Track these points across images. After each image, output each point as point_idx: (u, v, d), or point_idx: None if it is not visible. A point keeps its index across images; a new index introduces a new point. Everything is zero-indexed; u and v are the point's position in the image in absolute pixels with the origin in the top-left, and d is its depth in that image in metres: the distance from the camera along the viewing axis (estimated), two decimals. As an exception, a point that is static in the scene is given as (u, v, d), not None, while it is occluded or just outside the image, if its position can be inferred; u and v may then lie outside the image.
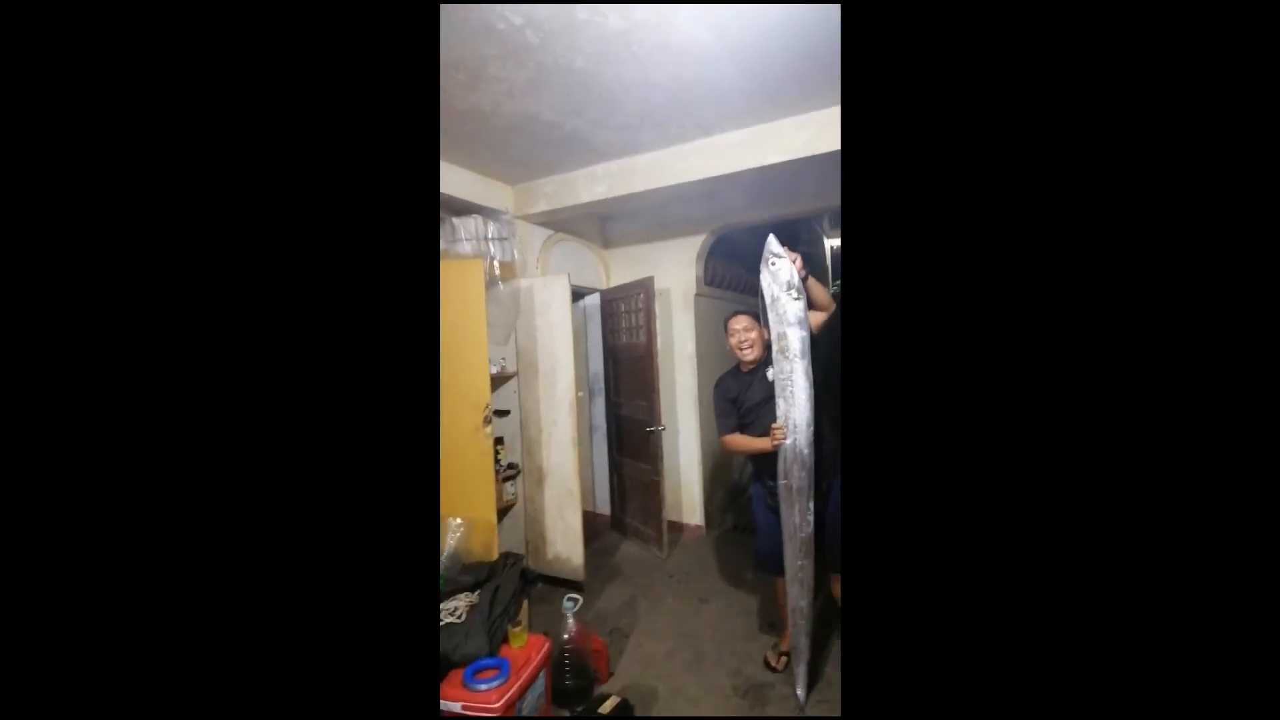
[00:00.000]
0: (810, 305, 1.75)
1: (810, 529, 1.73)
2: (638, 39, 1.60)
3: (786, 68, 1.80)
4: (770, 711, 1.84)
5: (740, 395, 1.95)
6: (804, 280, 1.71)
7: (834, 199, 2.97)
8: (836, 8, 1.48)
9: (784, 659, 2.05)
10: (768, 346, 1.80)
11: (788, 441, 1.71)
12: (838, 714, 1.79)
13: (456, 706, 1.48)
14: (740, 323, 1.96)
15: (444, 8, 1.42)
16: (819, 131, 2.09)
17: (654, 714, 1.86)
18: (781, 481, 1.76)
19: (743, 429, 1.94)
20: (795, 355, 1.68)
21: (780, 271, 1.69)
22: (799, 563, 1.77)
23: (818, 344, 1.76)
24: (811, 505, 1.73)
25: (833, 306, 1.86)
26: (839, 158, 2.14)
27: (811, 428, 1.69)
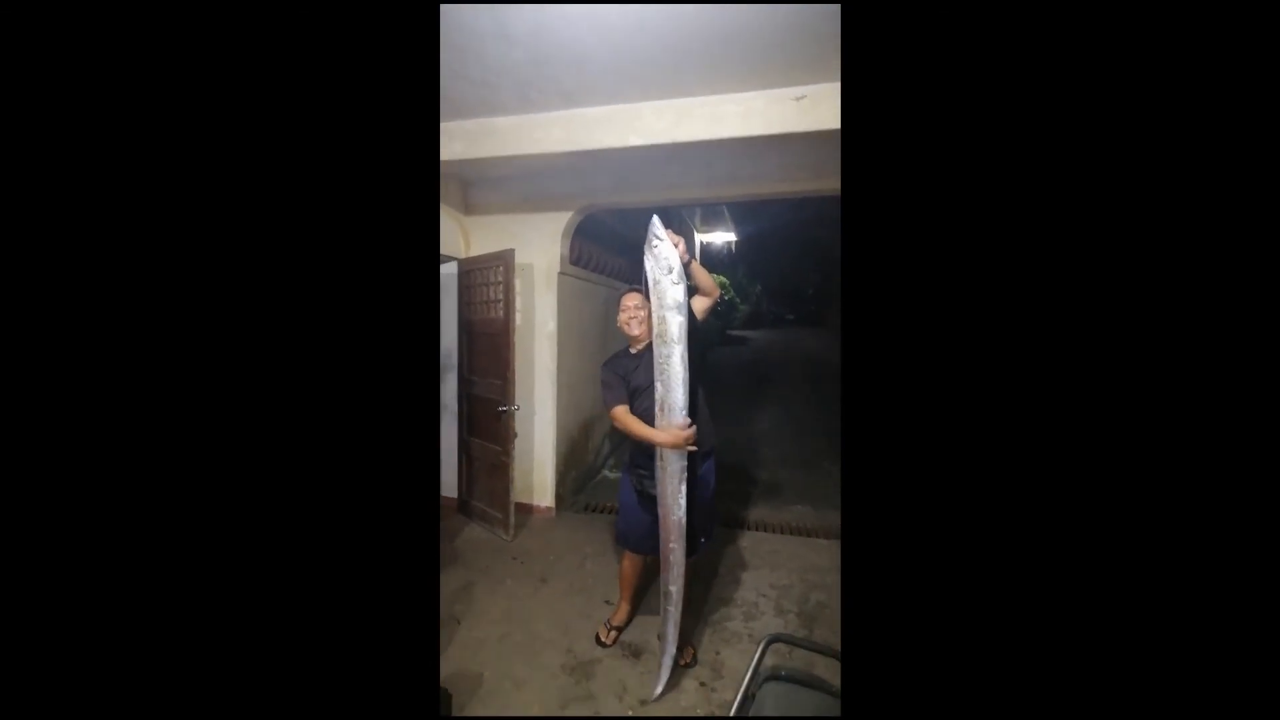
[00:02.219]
0: (695, 291, 1.73)
1: (682, 511, 1.74)
2: (492, -13, 1.48)
3: (648, 49, 1.78)
4: (596, 687, 1.86)
5: (629, 374, 1.91)
6: (687, 265, 1.68)
7: (698, 191, 3.07)
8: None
9: (614, 634, 2.09)
10: None
11: (668, 421, 1.69)
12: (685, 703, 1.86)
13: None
14: (632, 300, 1.94)
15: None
16: (679, 119, 2.12)
17: (477, 700, 1.79)
18: (658, 465, 1.75)
19: (630, 410, 1.89)
20: (673, 340, 1.65)
21: (661, 254, 1.64)
22: (672, 544, 1.76)
23: (698, 330, 1.75)
24: (683, 489, 1.73)
25: (716, 293, 1.87)
26: (702, 149, 2.20)
27: (684, 412, 1.68)
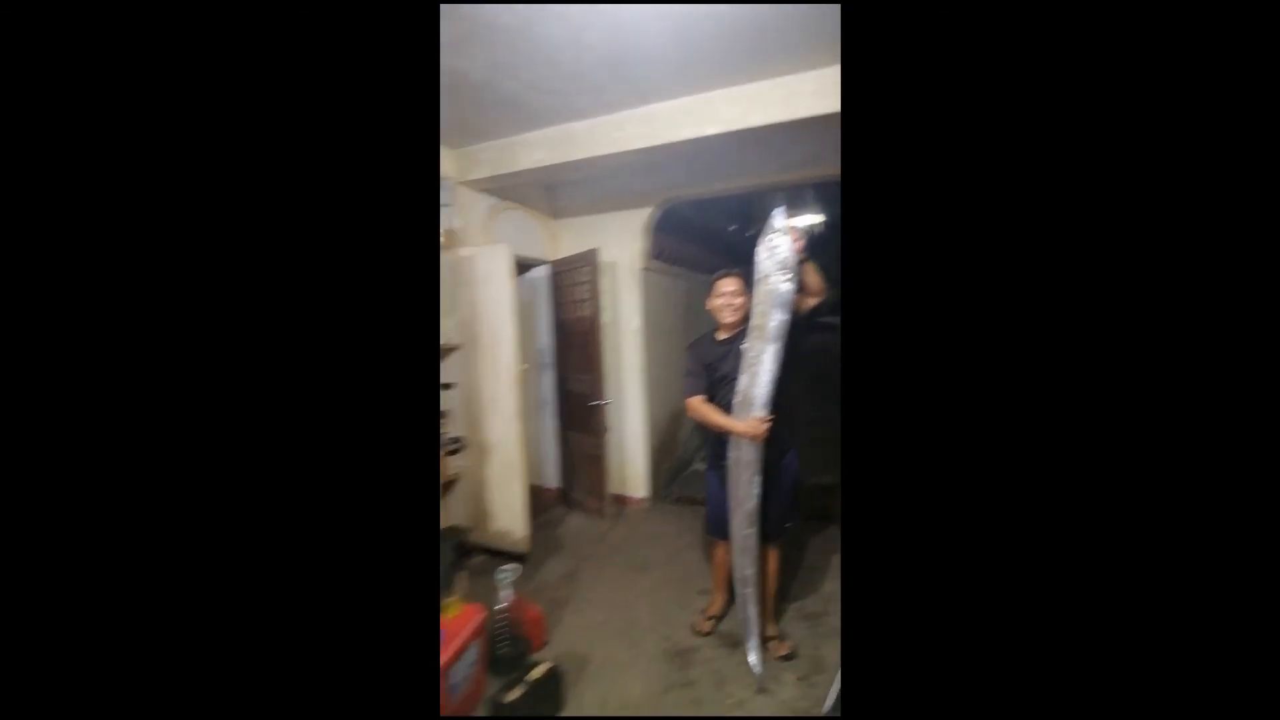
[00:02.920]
0: (800, 289, 1.65)
1: (754, 501, 1.76)
2: (569, 7, 1.54)
3: (718, 39, 1.76)
4: (694, 674, 1.90)
5: (716, 362, 1.89)
6: (801, 263, 1.61)
7: (779, 174, 2.98)
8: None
9: (711, 623, 2.11)
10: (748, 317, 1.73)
11: (747, 415, 1.69)
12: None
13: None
14: (730, 285, 1.88)
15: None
16: (752, 105, 2.08)
17: (585, 679, 1.89)
18: (731, 454, 1.78)
19: (711, 397, 1.90)
20: (770, 338, 1.62)
21: (778, 249, 1.58)
22: (745, 531, 1.79)
23: (797, 329, 1.68)
24: (758, 479, 1.75)
25: (823, 295, 1.76)
26: (779, 131, 2.14)
27: (766, 409, 1.68)
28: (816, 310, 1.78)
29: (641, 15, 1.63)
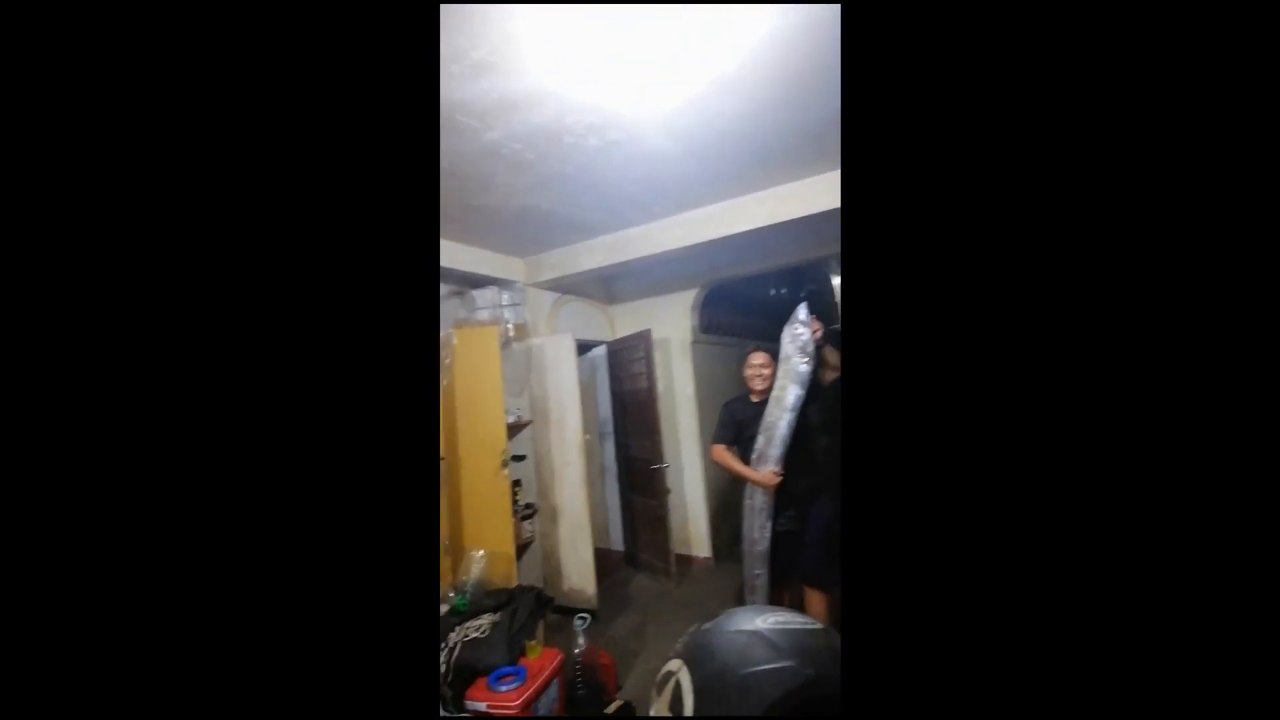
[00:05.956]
0: (821, 365, 2.06)
1: (766, 544, 2.06)
2: (614, 154, 2.00)
3: (740, 160, 2.18)
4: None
5: (745, 419, 2.23)
6: (821, 346, 2.00)
7: (812, 251, 3.32)
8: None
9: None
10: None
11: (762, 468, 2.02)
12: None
13: (482, 706, 1.77)
14: (758, 359, 2.25)
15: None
16: (780, 204, 2.47)
17: (657, 722, 2.07)
18: (746, 501, 2.09)
19: (739, 446, 2.23)
20: (788, 408, 2.00)
21: (799, 336, 1.98)
22: (755, 571, 2.10)
23: (825, 395, 2.08)
24: (769, 524, 2.06)
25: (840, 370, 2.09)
26: (799, 222, 2.51)
27: (779, 464, 2.01)
28: (837, 381, 2.08)
29: (675, 152, 2.07)
